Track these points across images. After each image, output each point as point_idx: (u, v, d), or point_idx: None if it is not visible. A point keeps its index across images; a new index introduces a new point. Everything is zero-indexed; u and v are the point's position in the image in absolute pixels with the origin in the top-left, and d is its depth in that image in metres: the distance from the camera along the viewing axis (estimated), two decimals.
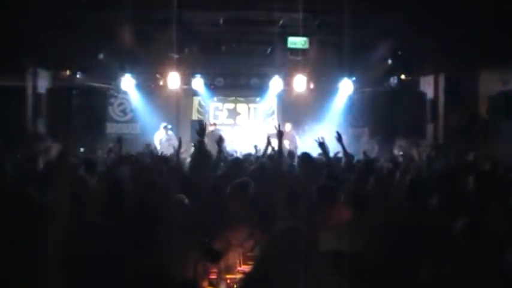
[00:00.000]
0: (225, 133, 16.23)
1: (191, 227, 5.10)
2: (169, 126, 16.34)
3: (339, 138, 8.89)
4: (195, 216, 5.44)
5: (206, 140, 8.55)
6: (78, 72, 15.52)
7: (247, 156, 10.78)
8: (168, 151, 11.39)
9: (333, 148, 11.04)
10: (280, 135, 8.21)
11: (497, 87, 14.17)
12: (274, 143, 8.66)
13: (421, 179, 6.42)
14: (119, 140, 9.25)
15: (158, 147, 14.30)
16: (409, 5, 10.91)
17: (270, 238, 4.33)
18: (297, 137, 16.24)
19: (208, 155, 8.41)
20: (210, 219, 5.50)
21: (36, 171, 7.30)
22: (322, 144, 8.63)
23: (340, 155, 9.24)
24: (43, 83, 15.33)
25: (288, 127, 15.97)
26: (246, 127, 19.20)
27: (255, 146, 11.82)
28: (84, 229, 4.86)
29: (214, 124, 17.17)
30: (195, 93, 18.72)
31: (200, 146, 7.56)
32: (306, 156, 8.87)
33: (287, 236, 4.21)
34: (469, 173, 6.54)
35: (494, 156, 9.79)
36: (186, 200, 5.56)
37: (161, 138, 15.82)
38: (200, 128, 7.48)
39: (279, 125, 8.56)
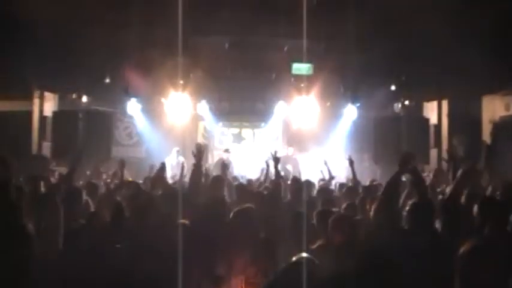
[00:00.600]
0: (234, 158, 16.44)
1: (193, 251, 5.14)
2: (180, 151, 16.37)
3: (351, 163, 9.03)
4: (197, 240, 5.48)
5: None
6: (84, 96, 15.66)
7: (250, 181, 10.89)
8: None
9: (336, 172, 11.15)
10: (276, 160, 8.31)
11: (500, 112, 14.24)
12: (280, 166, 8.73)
13: (424, 203, 6.43)
14: (121, 164, 9.29)
15: (169, 171, 14.32)
16: (412, 31, 11.02)
17: (279, 271, 4.39)
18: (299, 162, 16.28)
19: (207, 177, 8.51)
20: (212, 243, 5.53)
21: (37, 194, 7.33)
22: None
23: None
24: (49, 106, 15.45)
25: (290, 151, 16.03)
26: (253, 151, 19.18)
27: (262, 169, 11.87)
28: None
29: (227, 150, 17.23)
30: (200, 118, 18.82)
31: (196, 169, 7.50)
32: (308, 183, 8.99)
33: (296, 270, 4.27)
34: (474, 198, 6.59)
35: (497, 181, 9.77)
36: (187, 223, 5.61)
37: (172, 162, 15.83)
38: (198, 151, 7.45)
39: (276, 152, 8.65)
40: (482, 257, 3.95)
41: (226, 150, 17.29)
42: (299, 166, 15.96)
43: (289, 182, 9.29)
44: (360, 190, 8.59)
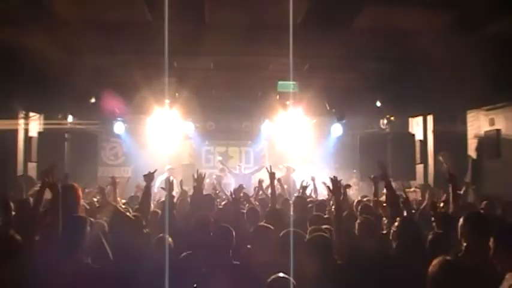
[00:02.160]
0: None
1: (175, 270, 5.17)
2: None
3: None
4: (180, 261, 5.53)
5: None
6: (70, 116, 15.61)
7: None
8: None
9: (321, 191, 11.17)
10: (272, 177, 8.36)
11: (484, 127, 14.34)
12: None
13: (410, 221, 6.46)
14: (101, 189, 9.26)
15: (155, 190, 14.23)
16: (397, 49, 11.10)
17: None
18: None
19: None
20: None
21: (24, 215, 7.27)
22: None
23: None
24: (34, 126, 15.37)
25: (287, 171, 16.03)
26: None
27: (255, 188, 11.87)
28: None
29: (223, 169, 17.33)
30: (186, 137, 18.81)
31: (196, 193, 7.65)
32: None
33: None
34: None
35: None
36: (170, 240, 5.62)
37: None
38: (199, 177, 7.63)
39: (271, 167, 8.71)
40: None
41: (222, 170, 17.39)
42: (295, 186, 15.84)
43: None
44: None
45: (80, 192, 6.06)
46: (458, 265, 4.02)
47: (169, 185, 8.75)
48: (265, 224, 6.31)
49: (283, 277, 4.45)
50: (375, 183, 9.11)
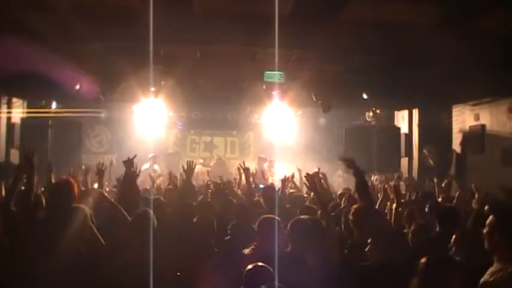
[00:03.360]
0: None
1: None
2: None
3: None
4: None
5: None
6: (54, 102, 15.46)
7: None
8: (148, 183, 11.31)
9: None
10: (247, 172, 8.35)
11: (469, 122, 14.43)
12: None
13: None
14: (86, 171, 9.18)
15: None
16: (384, 42, 11.09)
17: None
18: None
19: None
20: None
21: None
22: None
23: None
24: (17, 112, 15.20)
25: (259, 161, 16.08)
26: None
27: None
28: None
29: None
30: (172, 126, 18.75)
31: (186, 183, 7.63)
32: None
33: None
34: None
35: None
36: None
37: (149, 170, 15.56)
38: (188, 167, 7.52)
39: (244, 162, 8.72)
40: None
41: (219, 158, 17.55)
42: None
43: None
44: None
45: (76, 188, 5.90)
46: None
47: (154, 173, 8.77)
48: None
49: (262, 266, 4.45)
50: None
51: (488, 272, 3.89)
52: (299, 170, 11.59)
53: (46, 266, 4.86)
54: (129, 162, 7.06)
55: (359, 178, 6.29)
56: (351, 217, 5.85)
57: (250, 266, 4.50)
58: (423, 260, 3.91)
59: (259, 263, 4.50)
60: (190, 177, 7.57)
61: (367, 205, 6.04)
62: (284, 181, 9.57)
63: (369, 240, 5.12)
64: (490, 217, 4.04)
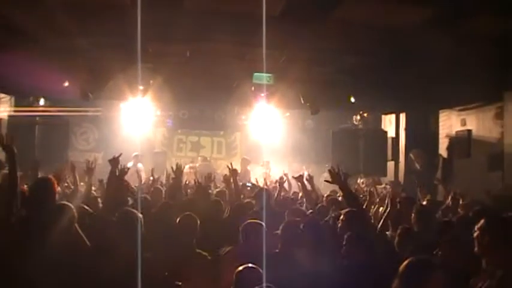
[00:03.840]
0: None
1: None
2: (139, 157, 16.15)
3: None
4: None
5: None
6: (42, 99, 15.37)
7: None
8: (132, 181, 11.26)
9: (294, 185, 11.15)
10: (235, 173, 8.36)
11: (456, 127, 14.51)
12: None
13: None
14: (72, 167, 9.12)
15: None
16: (372, 46, 11.12)
17: None
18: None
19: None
20: None
21: None
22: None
23: None
24: (4, 108, 15.10)
25: (242, 162, 16.15)
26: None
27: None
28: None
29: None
30: (159, 125, 18.71)
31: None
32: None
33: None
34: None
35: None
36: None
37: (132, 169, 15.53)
38: (177, 169, 7.52)
39: (231, 164, 8.74)
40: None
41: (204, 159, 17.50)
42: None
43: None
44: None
45: (56, 185, 5.84)
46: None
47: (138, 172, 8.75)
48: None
49: (252, 267, 4.44)
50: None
51: (477, 277, 3.91)
52: (285, 175, 11.57)
53: (28, 266, 4.79)
54: (114, 161, 7.01)
55: (345, 192, 6.35)
56: (342, 219, 5.93)
57: (240, 268, 4.47)
58: (406, 262, 3.91)
59: (250, 265, 4.49)
60: (179, 177, 7.59)
61: (358, 210, 6.14)
62: (281, 184, 9.71)
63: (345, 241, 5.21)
64: (481, 221, 4.06)
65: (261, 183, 12.01)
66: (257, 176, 14.59)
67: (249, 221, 5.94)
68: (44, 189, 5.58)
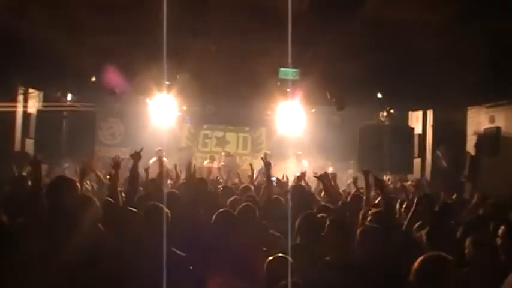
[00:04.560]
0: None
1: None
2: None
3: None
4: None
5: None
6: (69, 94, 15.52)
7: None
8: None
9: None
10: (268, 166, 8.28)
11: (484, 124, 14.32)
12: None
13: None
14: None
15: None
16: (400, 42, 11.03)
17: None
18: None
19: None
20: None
21: (23, 192, 7.23)
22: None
23: None
24: (33, 103, 15.30)
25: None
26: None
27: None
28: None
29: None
30: (184, 120, 18.77)
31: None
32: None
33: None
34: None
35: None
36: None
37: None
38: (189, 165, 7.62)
39: (265, 156, 8.67)
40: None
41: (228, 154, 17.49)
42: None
43: None
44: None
45: (77, 184, 5.84)
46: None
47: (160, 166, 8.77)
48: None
49: (282, 257, 4.46)
50: (365, 177, 8.97)
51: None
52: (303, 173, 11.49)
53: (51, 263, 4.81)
54: (136, 155, 7.01)
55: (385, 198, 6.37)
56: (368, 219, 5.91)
57: (270, 258, 4.50)
58: (421, 258, 3.88)
59: (280, 255, 4.52)
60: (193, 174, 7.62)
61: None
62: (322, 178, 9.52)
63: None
64: (503, 228, 4.02)
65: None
66: (285, 170, 14.59)
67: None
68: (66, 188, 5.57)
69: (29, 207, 5.30)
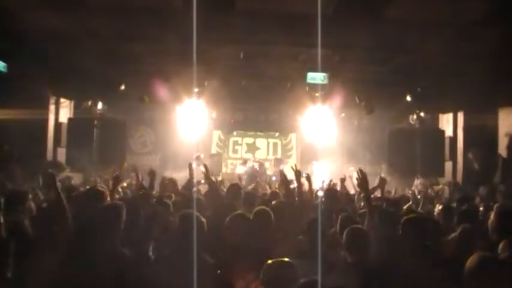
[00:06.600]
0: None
1: None
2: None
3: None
4: None
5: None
6: (99, 103, 15.73)
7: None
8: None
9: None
10: (299, 175, 8.24)
11: None
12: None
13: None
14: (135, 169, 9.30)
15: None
16: (428, 43, 10.95)
17: None
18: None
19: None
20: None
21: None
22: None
23: None
24: (65, 112, 15.54)
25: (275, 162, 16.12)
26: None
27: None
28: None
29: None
30: (214, 127, 18.86)
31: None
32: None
33: None
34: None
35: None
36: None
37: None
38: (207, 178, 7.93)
39: (296, 165, 8.65)
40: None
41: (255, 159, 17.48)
42: None
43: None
44: None
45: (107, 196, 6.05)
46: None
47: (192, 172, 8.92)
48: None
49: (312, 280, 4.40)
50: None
51: None
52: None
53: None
54: (152, 174, 7.74)
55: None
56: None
57: (270, 262, 4.45)
58: (475, 258, 3.87)
59: (283, 259, 4.49)
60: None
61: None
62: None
63: None
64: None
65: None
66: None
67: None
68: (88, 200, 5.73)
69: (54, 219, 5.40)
